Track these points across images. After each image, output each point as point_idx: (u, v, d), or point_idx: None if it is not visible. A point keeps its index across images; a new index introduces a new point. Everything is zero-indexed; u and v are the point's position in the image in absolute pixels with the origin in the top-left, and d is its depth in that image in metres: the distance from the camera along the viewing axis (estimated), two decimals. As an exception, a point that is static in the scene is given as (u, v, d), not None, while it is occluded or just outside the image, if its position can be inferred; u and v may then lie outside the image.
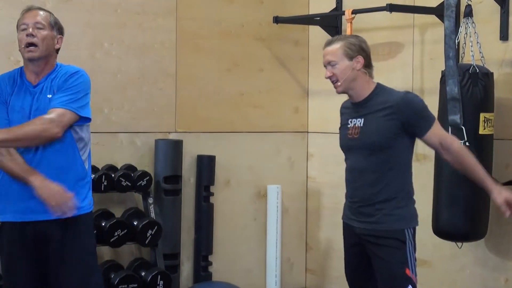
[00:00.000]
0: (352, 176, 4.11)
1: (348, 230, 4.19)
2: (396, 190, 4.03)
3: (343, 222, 4.23)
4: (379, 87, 4.10)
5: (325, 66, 4.12)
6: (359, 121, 4.07)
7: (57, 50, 4.06)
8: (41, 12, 4.02)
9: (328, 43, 4.12)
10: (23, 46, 3.92)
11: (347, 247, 4.23)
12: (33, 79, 3.97)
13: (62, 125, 3.80)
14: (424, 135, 3.98)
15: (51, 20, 4.03)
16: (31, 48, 3.91)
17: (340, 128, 4.22)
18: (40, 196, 3.74)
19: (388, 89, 4.11)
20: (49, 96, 3.91)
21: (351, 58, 4.04)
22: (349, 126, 4.11)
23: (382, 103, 4.01)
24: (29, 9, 4.03)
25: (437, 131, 3.99)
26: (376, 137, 3.98)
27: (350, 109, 4.16)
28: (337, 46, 4.06)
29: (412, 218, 4.08)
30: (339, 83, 4.08)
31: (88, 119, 3.96)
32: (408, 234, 4.02)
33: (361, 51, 4.07)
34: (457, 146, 4.01)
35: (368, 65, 4.09)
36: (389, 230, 4.00)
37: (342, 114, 4.25)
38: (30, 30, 3.91)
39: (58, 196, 3.74)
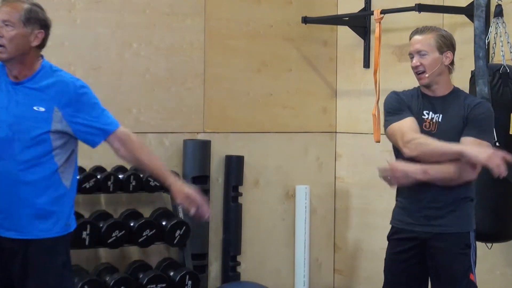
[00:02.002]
0: None
1: (401, 235, 4.04)
2: (464, 191, 3.98)
3: (395, 228, 4.07)
4: (457, 88, 4.06)
5: (411, 54, 3.98)
6: (437, 116, 3.96)
7: (40, 47, 3.63)
8: (13, 7, 3.55)
9: (419, 32, 3.98)
10: None
11: (397, 253, 4.07)
12: (13, 77, 3.61)
13: None
14: (465, 136, 3.94)
15: (23, 16, 3.54)
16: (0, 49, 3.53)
17: (406, 108, 3.98)
18: None
19: (465, 93, 4.09)
20: (40, 109, 3.56)
21: (441, 51, 3.95)
22: (424, 117, 3.97)
23: (460, 106, 3.96)
24: (2, 2, 3.61)
25: (473, 143, 3.90)
26: (455, 135, 3.91)
27: (421, 100, 4.00)
28: (429, 36, 3.95)
29: (473, 220, 4.05)
30: (426, 75, 3.94)
31: None
32: (472, 237, 3.99)
33: (451, 47, 4.00)
34: None
35: (452, 63, 4.03)
36: (457, 233, 3.96)
37: (404, 100, 4.02)
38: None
39: None
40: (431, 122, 3.96)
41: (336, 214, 6.63)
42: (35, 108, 3.56)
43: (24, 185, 3.55)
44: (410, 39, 4.03)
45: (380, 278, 6.22)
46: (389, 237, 4.14)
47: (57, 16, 5.53)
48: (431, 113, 3.97)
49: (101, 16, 5.71)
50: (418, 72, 3.96)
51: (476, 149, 3.78)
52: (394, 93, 4.08)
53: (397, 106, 4.00)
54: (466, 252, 3.97)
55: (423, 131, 3.93)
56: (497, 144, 4.68)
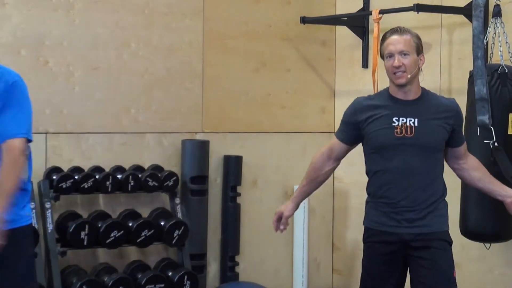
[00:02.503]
0: (398, 178, 3.93)
1: (381, 237, 4.00)
2: (441, 193, 4.01)
3: (372, 230, 4.04)
4: (426, 90, 4.04)
5: (391, 55, 3.91)
6: (411, 120, 3.92)
7: None
8: None
9: (398, 32, 3.94)
10: None
11: (378, 255, 4.02)
12: None
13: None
14: (460, 146, 4.04)
15: None
16: None
17: (369, 125, 3.99)
18: None
19: (432, 93, 4.08)
20: None
21: (418, 53, 3.95)
22: (394, 124, 3.93)
23: (437, 106, 3.97)
24: None
25: (465, 147, 4.09)
26: (433, 138, 3.92)
27: (392, 106, 3.97)
28: (409, 36, 3.92)
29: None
30: (407, 75, 3.90)
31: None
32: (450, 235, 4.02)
33: (422, 50, 4.00)
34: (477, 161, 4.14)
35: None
36: (439, 232, 3.97)
37: (365, 110, 3.99)
38: None
39: None
40: (404, 127, 3.93)
41: (334, 214, 6.63)
42: None
43: None
44: (383, 39, 3.98)
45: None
46: (366, 240, 4.11)
47: (56, 16, 5.55)
48: (401, 118, 3.93)
49: (99, 16, 5.71)
50: (399, 72, 3.91)
51: None
52: (355, 104, 4.06)
53: (347, 121, 4.10)
54: (447, 249, 3.99)
55: (394, 138, 3.92)
56: (496, 144, 4.69)
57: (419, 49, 3.95)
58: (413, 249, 3.95)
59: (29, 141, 3.62)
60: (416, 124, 3.92)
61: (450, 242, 4.00)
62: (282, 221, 4.27)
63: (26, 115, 3.62)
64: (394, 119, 3.94)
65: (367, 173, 4.13)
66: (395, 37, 3.92)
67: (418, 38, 3.97)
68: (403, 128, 3.93)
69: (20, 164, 3.57)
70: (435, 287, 3.92)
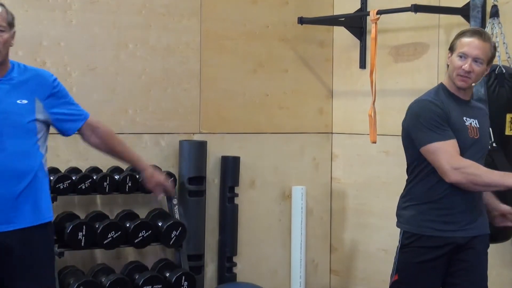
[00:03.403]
0: None
1: (434, 242, 3.88)
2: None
3: (428, 237, 3.89)
4: None
5: (465, 55, 3.77)
6: (474, 121, 3.86)
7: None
8: (1, 10, 3.67)
9: (481, 36, 3.79)
10: None
11: (431, 260, 3.89)
12: None
13: None
14: None
15: (10, 18, 3.70)
16: None
17: (447, 125, 3.79)
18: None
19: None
20: (22, 101, 3.69)
21: (488, 63, 3.83)
22: (466, 124, 3.83)
23: (480, 109, 3.99)
24: None
25: None
26: (488, 140, 3.95)
27: (456, 106, 3.84)
28: (488, 45, 3.79)
29: None
30: (471, 82, 3.81)
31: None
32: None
33: (492, 61, 3.88)
34: None
35: None
36: (487, 234, 4.02)
37: (445, 113, 3.80)
38: None
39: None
40: (472, 128, 3.85)
41: (332, 215, 6.62)
42: (18, 101, 3.69)
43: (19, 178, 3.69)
44: (462, 36, 3.82)
45: (376, 278, 6.25)
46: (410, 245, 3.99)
47: (53, 17, 5.55)
48: (468, 119, 3.85)
49: (97, 16, 5.70)
50: (465, 76, 3.78)
51: None
52: (433, 104, 3.81)
53: (439, 122, 3.77)
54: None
55: (469, 140, 3.81)
56: (494, 144, 4.68)
57: (490, 60, 3.82)
58: (460, 252, 3.92)
59: None
60: (478, 126, 3.87)
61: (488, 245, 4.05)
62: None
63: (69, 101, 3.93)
64: (464, 118, 3.84)
65: (421, 175, 3.92)
66: (476, 41, 3.77)
67: (495, 48, 3.86)
68: (472, 130, 3.84)
69: None
70: None
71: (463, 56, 3.77)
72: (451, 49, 3.85)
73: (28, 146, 3.71)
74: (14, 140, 3.66)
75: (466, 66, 3.75)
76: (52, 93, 3.80)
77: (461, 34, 3.85)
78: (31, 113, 3.72)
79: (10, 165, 3.63)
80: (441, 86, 3.90)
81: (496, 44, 3.90)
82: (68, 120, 3.89)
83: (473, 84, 3.86)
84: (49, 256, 3.84)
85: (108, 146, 4.03)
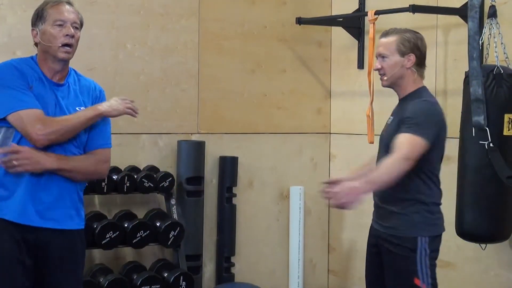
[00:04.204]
0: None
1: (370, 230, 4.18)
2: (405, 193, 3.97)
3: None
4: (421, 91, 4.06)
5: (376, 57, 4.07)
6: (390, 118, 4.10)
7: None
8: (75, 9, 3.86)
9: (384, 35, 4.05)
10: (59, 44, 3.74)
11: (367, 246, 4.19)
12: (52, 77, 3.80)
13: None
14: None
15: (82, 19, 3.90)
16: (68, 49, 3.76)
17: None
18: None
19: (418, 95, 4.05)
20: (80, 109, 3.79)
21: (403, 54, 3.98)
22: (388, 123, 4.12)
23: (404, 107, 3.99)
24: (62, 2, 3.81)
25: (399, 139, 3.91)
26: (389, 139, 3.96)
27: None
28: (392, 39, 4.00)
29: (425, 226, 4.00)
30: (385, 77, 4.01)
31: None
32: (421, 242, 3.94)
33: (415, 49, 4.00)
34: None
35: (420, 64, 4.03)
36: (402, 237, 3.96)
37: None
38: (71, 30, 3.77)
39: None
40: (386, 126, 4.10)
41: (330, 215, 6.63)
42: (77, 108, 3.77)
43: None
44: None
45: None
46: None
47: (51, 17, 5.53)
48: (390, 117, 4.11)
49: (95, 17, 5.70)
50: (380, 74, 4.03)
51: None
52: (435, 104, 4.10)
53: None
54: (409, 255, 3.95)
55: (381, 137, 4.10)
56: (491, 145, 4.69)
57: (402, 51, 3.97)
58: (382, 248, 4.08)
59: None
60: (389, 122, 4.08)
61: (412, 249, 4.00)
62: None
63: (109, 125, 3.92)
64: (390, 117, 4.12)
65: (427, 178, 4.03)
66: (380, 40, 4.06)
67: (405, 39, 3.99)
68: (385, 126, 4.13)
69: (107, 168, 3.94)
70: None
71: (376, 56, 4.06)
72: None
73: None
74: (78, 148, 3.79)
75: (375, 66, 4.04)
76: (93, 100, 3.89)
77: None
78: None
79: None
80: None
81: (406, 37, 4.00)
82: (99, 137, 3.90)
83: (385, 78, 4.03)
84: (81, 259, 3.92)
85: None
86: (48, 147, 3.66)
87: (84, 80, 3.93)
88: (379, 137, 4.18)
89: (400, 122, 3.93)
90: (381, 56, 4.00)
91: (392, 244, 3.96)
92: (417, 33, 4.10)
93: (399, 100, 4.10)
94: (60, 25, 3.73)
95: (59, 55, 3.73)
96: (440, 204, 4.07)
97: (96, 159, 3.81)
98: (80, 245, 3.86)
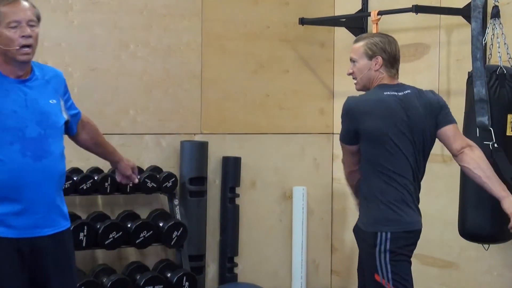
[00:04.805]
0: None
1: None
2: (366, 190, 4.02)
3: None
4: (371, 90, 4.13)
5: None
6: None
7: None
8: (29, 4, 3.58)
9: (355, 40, 4.17)
10: (16, 47, 3.51)
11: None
12: (16, 76, 3.61)
13: None
14: None
15: (38, 12, 3.61)
16: (27, 50, 3.55)
17: None
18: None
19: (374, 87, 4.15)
20: (53, 101, 3.66)
21: (370, 57, 4.05)
22: None
23: None
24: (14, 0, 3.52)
25: None
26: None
27: None
28: (360, 44, 4.10)
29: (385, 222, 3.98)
30: (355, 81, 4.16)
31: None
32: (381, 238, 3.94)
33: (381, 52, 4.05)
34: None
35: (388, 65, 4.06)
36: (365, 232, 4.02)
37: None
38: (28, 30, 3.52)
39: None
40: None
41: (333, 215, 6.63)
42: (50, 101, 3.66)
43: (59, 181, 3.72)
44: None
45: (378, 279, 6.19)
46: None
47: (54, 17, 5.55)
48: None
49: (98, 17, 5.71)
50: (353, 79, 4.17)
51: None
52: None
53: None
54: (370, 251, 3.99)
55: None
56: (496, 145, 4.68)
57: (369, 54, 4.07)
58: None
59: None
60: None
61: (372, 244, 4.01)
62: None
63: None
64: None
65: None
66: (352, 46, 4.16)
67: (372, 43, 4.08)
68: None
69: None
70: None
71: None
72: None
73: (62, 147, 3.70)
74: (56, 142, 3.65)
75: (348, 71, 4.16)
76: (65, 91, 3.81)
77: None
78: (61, 113, 3.72)
79: (56, 168, 3.64)
80: None
81: (373, 41, 4.08)
82: (75, 120, 3.89)
83: (355, 81, 4.16)
84: (73, 256, 3.85)
85: (95, 142, 4.02)
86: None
87: (47, 69, 3.79)
88: None
89: None
90: (352, 61, 4.12)
91: (359, 240, 4.10)
92: (389, 36, 4.15)
93: None
94: (15, 27, 3.50)
95: (19, 57, 3.54)
96: (400, 202, 3.97)
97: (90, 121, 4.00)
98: (70, 244, 3.80)
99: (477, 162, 3.95)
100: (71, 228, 3.96)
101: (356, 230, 4.12)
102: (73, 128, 3.88)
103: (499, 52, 4.91)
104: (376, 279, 3.95)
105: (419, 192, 4.04)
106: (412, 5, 5.32)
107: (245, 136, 6.26)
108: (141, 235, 5.48)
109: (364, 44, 4.08)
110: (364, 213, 4.05)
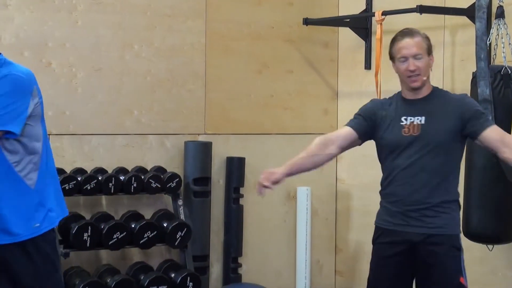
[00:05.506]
0: (404, 176, 3.93)
1: (391, 237, 3.98)
2: (453, 193, 3.96)
3: (381, 229, 4.04)
4: (436, 88, 4.05)
5: (404, 58, 3.93)
6: (419, 119, 3.93)
7: None
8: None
9: (409, 35, 3.95)
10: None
11: (387, 256, 3.99)
12: None
13: None
14: (480, 135, 3.88)
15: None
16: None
17: (380, 126, 4.02)
18: None
19: (444, 91, 4.09)
20: None
21: (429, 54, 3.96)
22: (402, 123, 3.94)
23: (444, 104, 3.96)
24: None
25: (496, 130, 3.90)
26: (442, 136, 3.91)
27: (400, 106, 4.00)
28: (420, 39, 3.94)
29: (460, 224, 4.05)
30: (423, 77, 3.93)
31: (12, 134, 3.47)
32: (460, 240, 3.96)
33: (432, 49, 4.01)
34: None
35: None
36: (447, 235, 3.93)
37: (379, 110, 4.05)
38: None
39: None
40: (411, 126, 3.94)
41: (337, 216, 6.62)
42: None
43: None
44: (396, 41, 3.97)
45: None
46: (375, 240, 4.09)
47: (58, 18, 5.56)
48: (410, 117, 3.95)
49: (102, 17, 5.71)
50: (414, 75, 3.92)
51: None
52: (371, 101, 4.21)
53: (358, 113, 4.20)
54: (455, 254, 3.92)
55: (402, 137, 3.93)
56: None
57: (429, 50, 3.96)
58: (421, 254, 3.92)
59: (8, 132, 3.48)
60: (422, 122, 3.92)
61: (458, 247, 3.94)
62: (270, 181, 4.27)
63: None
64: (402, 119, 3.96)
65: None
66: (407, 40, 3.92)
67: (428, 39, 3.98)
68: (411, 127, 3.92)
69: None
70: None
71: (404, 59, 3.93)
72: (391, 58, 4.02)
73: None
74: None
75: (410, 66, 3.90)
76: None
77: (393, 40, 4.01)
78: None
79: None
80: (396, 94, 4.09)
81: (427, 36, 4.01)
82: None
83: (424, 78, 3.94)
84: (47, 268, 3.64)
85: None
86: None
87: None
88: (406, 137, 3.94)
89: (457, 118, 3.90)
90: (416, 57, 3.91)
91: (438, 245, 3.91)
92: None
93: (415, 99, 3.98)
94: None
95: None
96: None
97: None
98: (36, 255, 3.58)
99: None
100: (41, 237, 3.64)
101: (433, 234, 3.94)
102: None
103: (503, 53, 4.91)
104: (461, 282, 3.90)
105: None
106: (417, 5, 5.31)
107: (249, 136, 6.26)
108: (145, 235, 5.48)
109: (424, 39, 3.95)
110: (451, 216, 3.94)
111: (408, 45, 3.91)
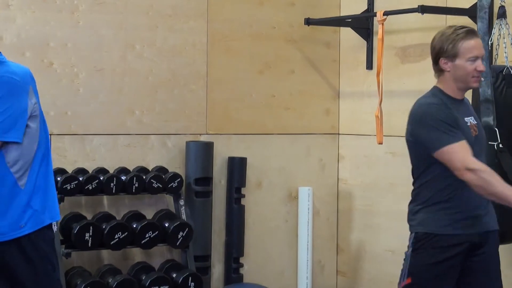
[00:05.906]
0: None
1: (448, 241, 3.89)
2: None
3: (442, 236, 3.91)
4: None
5: (475, 58, 3.84)
6: (471, 119, 3.91)
7: None
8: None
9: (476, 35, 3.89)
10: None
11: (445, 260, 3.89)
12: None
13: None
14: None
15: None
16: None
17: (457, 125, 3.81)
18: None
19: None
20: None
21: None
22: (468, 124, 3.86)
23: (468, 104, 4.00)
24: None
25: None
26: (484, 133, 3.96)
27: (454, 107, 3.87)
28: (480, 41, 3.92)
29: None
30: (482, 79, 3.98)
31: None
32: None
33: None
34: None
35: None
36: (497, 230, 4.04)
37: (454, 114, 3.83)
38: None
39: None
40: (473, 126, 3.88)
41: (339, 216, 6.62)
42: None
43: None
44: (465, 40, 3.84)
45: (383, 279, 6.24)
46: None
47: (60, 18, 5.56)
48: (467, 118, 3.88)
49: (104, 17, 5.71)
50: (478, 76, 3.86)
51: None
52: (438, 106, 3.85)
53: (448, 124, 3.78)
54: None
55: (472, 138, 3.83)
56: (501, 146, 4.68)
57: None
58: (475, 251, 3.96)
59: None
60: (475, 122, 3.92)
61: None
62: None
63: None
64: (465, 119, 3.88)
65: (429, 178, 3.92)
66: (477, 40, 3.86)
67: None
68: (472, 127, 3.88)
69: None
70: None
71: (474, 59, 3.82)
72: (454, 55, 3.85)
73: None
74: None
75: (481, 67, 3.83)
76: None
77: (461, 38, 3.85)
78: None
79: None
80: (437, 89, 3.95)
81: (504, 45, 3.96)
82: None
83: (478, 80, 3.91)
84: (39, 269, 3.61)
85: None
86: None
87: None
88: (473, 138, 3.84)
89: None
90: (482, 58, 3.88)
91: (494, 242, 4.03)
92: None
93: (458, 100, 3.91)
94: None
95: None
96: None
97: None
98: (21, 256, 3.56)
99: None
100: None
101: (493, 231, 4.01)
102: None
103: (505, 53, 4.91)
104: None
105: None
106: (418, 6, 5.31)
107: (250, 137, 6.26)
108: (147, 235, 5.48)
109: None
110: (495, 212, 4.00)
111: (479, 45, 3.85)
